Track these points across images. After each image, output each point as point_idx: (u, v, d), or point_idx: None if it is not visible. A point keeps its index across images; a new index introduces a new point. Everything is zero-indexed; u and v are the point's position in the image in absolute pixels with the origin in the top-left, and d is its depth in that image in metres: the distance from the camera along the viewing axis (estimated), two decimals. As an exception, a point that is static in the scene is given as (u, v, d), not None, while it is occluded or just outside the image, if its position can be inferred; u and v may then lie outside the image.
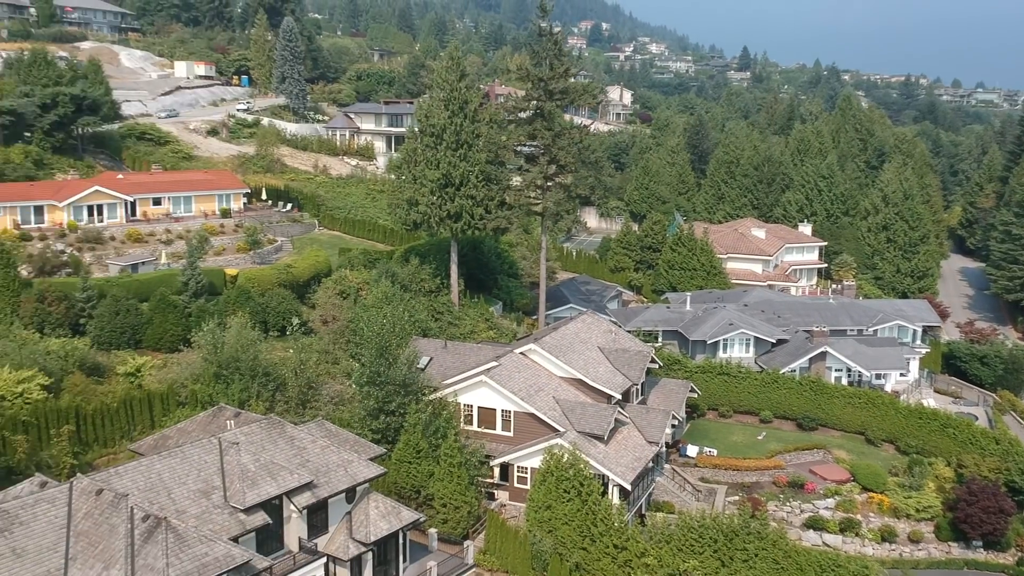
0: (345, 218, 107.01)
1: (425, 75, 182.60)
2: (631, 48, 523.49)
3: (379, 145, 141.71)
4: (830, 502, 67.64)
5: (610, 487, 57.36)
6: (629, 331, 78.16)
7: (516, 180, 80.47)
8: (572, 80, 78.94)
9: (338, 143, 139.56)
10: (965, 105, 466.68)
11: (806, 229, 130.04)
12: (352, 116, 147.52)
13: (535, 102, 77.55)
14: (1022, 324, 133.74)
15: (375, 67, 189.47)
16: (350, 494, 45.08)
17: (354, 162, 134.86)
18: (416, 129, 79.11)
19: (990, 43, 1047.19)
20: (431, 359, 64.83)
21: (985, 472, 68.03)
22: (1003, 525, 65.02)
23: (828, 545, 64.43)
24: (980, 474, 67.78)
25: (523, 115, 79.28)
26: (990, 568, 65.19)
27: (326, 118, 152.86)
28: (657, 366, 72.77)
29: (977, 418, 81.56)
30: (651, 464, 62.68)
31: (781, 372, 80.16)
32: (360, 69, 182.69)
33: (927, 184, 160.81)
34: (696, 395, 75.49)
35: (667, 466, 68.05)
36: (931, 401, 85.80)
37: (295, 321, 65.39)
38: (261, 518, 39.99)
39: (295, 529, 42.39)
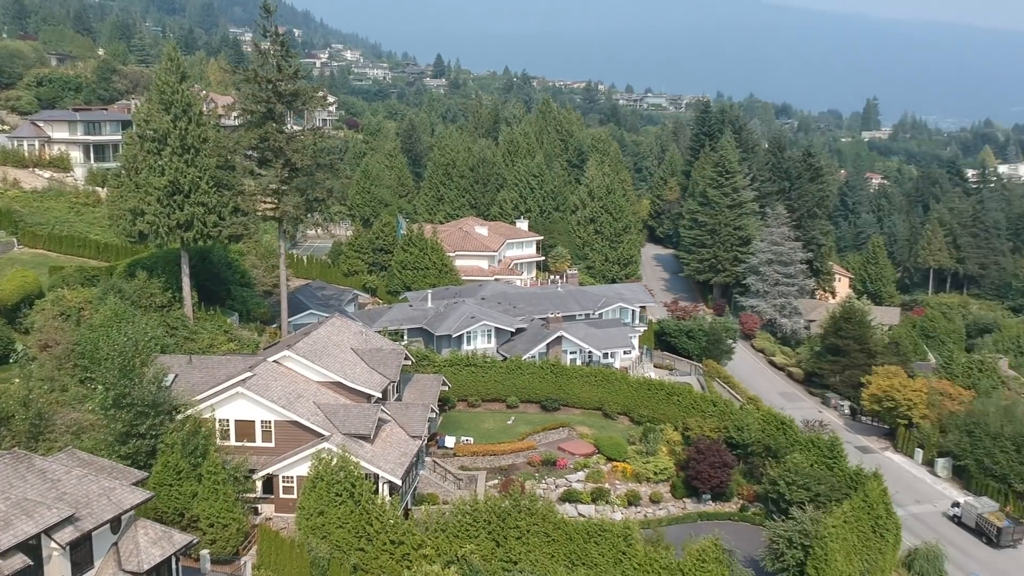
0: (49, 235, 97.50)
1: (118, 80, 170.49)
2: (326, 55, 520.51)
3: (76, 155, 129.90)
4: (580, 475, 71.99)
5: (380, 484, 57.32)
6: (376, 332, 78.28)
7: (250, 185, 77.62)
8: (302, 82, 77.54)
9: (27, 154, 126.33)
10: (639, 108, 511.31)
11: (523, 225, 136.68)
12: (40, 124, 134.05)
13: (264, 104, 75.30)
14: (712, 301, 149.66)
15: (57, 72, 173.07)
16: (115, 524, 41.75)
17: (48, 174, 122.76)
18: (136, 134, 74.07)
19: (652, 53, 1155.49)
20: (176, 376, 61.17)
21: (708, 432, 75.61)
22: (727, 478, 72.59)
23: (583, 515, 68.32)
24: (704, 434, 75.19)
25: (251, 117, 76.65)
26: (719, 517, 71.94)
27: (6, 127, 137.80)
28: (410, 363, 73.60)
29: (692, 386, 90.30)
30: (415, 458, 63.36)
31: (523, 359, 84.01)
32: (40, 74, 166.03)
33: (622, 180, 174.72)
34: (447, 388, 77.17)
35: (428, 459, 69.09)
36: (652, 374, 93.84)
37: (19, 348, 58.81)
38: (20, 560, 36.15)
39: (57, 568, 38.60)
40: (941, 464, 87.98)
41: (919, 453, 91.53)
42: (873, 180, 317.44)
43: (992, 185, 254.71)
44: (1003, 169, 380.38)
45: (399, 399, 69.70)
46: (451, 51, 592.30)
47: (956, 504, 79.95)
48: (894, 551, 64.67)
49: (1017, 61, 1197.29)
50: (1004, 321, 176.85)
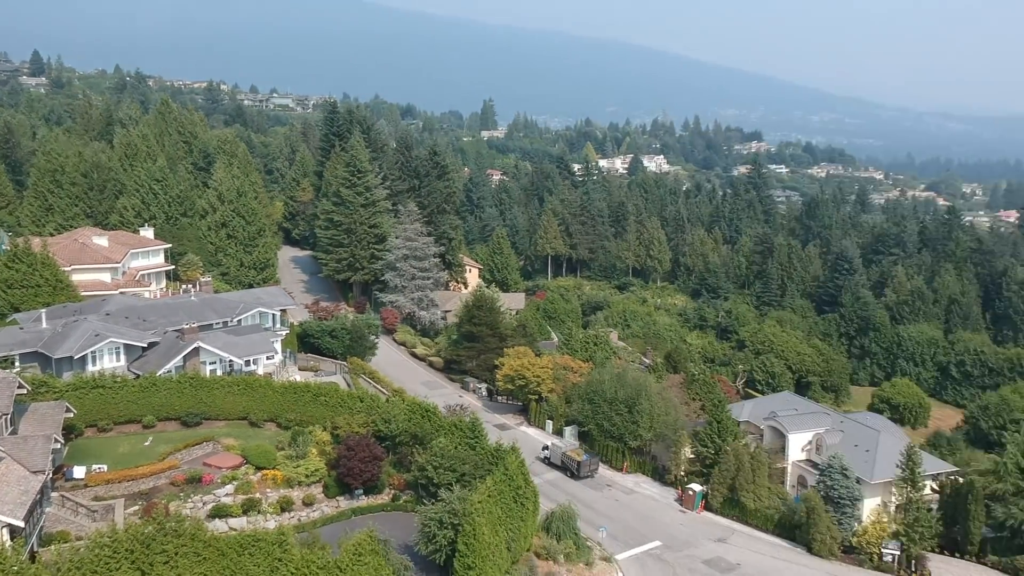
0: None
1: None
2: None
3: None
4: (229, 488, 69.54)
5: (-1, 530, 51.42)
6: (-20, 360, 69.77)
7: None
8: None
9: None
10: (266, 109, 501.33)
11: (148, 233, 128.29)
12: None
13: None
14: (353, 299, 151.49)
15: None
16: None
17: None
18: None
19: (275, 53, 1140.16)
20: None
21: (356, 428, 76.47)
22: (377, 470, 74.03)
23: (235, 528, 66.19)
24: (353, 431, 75.91)
25: None
26: (372, 510, 73.14)
27: None
28: (25, 391, 66.48)
29: (339, 384, 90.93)
30: (39, 495, 57.52)
31: (158, 374, 79.27)
32: None
33: (253, 182, 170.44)
34: (72, 414, 70.76)
35: (55, 494, 62.94)
36: (298, 377, 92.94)
37: None
38: None
39: None
40: (569, 432, 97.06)
41: (550, 424, 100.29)
42: (494, 176, 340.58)
43: (595, 178, 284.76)
44: (603, 163, 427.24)
45: (14, 432, 62.75)
46: (50, 47, 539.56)
47: (546, 447, 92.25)
48: (534, 517, 70.29)
49: (610, 66, 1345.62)
50: (612, 298, 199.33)
